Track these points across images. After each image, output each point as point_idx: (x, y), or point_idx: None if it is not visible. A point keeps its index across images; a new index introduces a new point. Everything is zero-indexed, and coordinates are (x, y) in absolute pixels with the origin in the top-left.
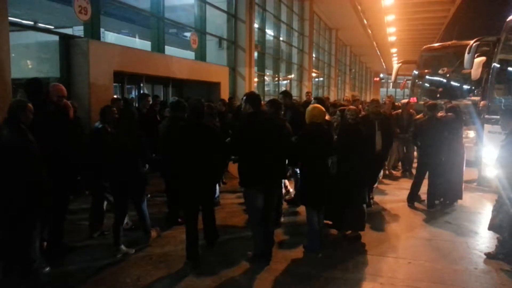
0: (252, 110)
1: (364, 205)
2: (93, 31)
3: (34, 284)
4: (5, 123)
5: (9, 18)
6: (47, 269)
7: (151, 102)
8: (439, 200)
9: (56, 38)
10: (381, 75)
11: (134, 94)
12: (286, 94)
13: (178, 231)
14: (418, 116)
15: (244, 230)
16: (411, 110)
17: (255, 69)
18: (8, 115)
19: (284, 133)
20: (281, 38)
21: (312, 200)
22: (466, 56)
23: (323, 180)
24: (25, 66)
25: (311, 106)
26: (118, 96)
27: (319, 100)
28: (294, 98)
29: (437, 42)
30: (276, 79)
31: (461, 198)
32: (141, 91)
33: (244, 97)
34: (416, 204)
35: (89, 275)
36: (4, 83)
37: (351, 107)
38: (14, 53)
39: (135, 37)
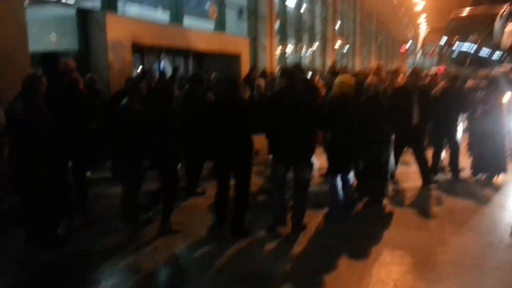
0: (286, 85)
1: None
2: (110, 4)
3: (55, 250)
4: (20, 96)
5: None
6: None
7: (157, 77)
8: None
9: (73, 11)
10: (408, 44)
11: (158, 66)
12: (298, 68)
13: (196, 201)
14: (440, 85)
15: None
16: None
17: (276, 39)
18: (22, 88)
19: (312, 108)
20: (303, 7)
21: (334, 165)
22: (497, 22)
23: (347, 148)
24: (44, 40)
25: (338, 78)
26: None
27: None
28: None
29: (467, 8)
30: (299, 49)
31: (505, 171)
32: (161, 63)
33: (279, 72)
34: (440, 176)
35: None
36: (23, 56)
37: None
38: (33, 27)
39: (157, 8)
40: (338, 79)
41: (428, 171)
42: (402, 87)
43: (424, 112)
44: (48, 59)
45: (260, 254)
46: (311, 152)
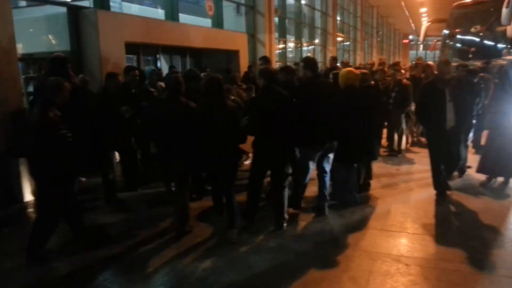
0: (312, 75)
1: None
2: (102, 1)
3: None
4: (40, 103)
5: None
6: None
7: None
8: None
9: (64, 10)
10: (410, 37)
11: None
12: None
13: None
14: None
15: None
16: (435, 72)
17: (275, 35)
18: (43, 95)
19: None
20: (302, 1)
21: (347, 155)
22: (504, 11)
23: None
24: (35, 40)
25: (344, 70)
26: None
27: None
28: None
29: None
30: (299, 45)
31: None
32: (158, 62)
33: (302, 63)
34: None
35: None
36: (10, 61)
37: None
38: (24, 28)
39: (157, 8)
40: (343, 71)
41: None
42: (431, 83)
43: (461, 111)
44: (58, 61)
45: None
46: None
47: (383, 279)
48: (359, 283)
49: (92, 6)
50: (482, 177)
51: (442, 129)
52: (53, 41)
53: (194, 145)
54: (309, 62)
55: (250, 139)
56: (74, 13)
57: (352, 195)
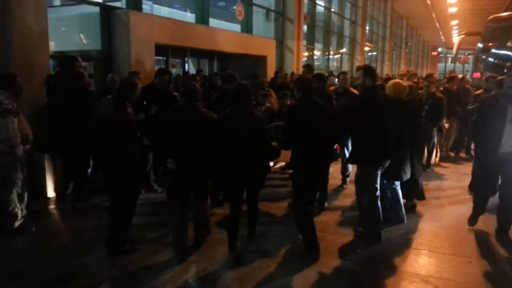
0: (371, 84)
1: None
2: (134, 2)
3: None
4: (113, 100)
5: None
6: None
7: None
8: None
9: (97, 9)
10: (439, 49)
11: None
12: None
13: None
14: (477, 92)
15: None
16: (467, 86)
17: (304, 42)
18: (119, 93)
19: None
20: (332, 9)
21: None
22: None
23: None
24: (67, 39)
25: (392, 82)
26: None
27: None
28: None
29: (504, 12)
30: (327, 53)
31: None
32: (186, 65)
33: (361, 71)
34: None
35: None
36: (43, 56)
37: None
38: (57, 26)
39: (187, 11)
40: (390, 83)
41: None
42: (494, 98)
43: None
44: (65, 60)
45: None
46: None
47: None
48: None
49: (124, 6)
50: None
51: (493, 152)
52: (85, 40)
53: (215, 156)
54: (370, 70)
55: None
56: (107, 13)
57: (398, 212)
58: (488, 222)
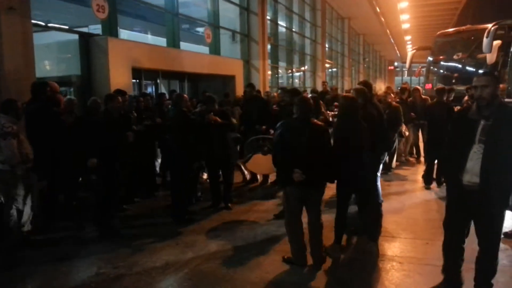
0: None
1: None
2: (111, 29)
3: None
4: (176, 109)
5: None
6: None
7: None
8: None
9: (75, 37)
10: (396, 64)
11: (155, 90)
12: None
13: None
14: (430, 102)
15: None
16: (424, 97)
17: (268, 61)
18: (176, 105)
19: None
20: (293, 29)
21: None
22: (485, 40)
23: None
24: (46, 66)
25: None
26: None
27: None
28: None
29: (451, 28)
30: (290, 71)
31: None
32: (158, 87)
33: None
34: (433, 187)
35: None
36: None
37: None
38: (36, 53)
39: (147, 34)
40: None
41: None
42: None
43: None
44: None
45: None
46: None
47: (380, 274)
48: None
49: (101, 33)
50: None
51: (458, 187)
52: (64, 66)
53: None
54: (368, 85)
55: None
56: (85, 40)
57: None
58: (442, 211)
